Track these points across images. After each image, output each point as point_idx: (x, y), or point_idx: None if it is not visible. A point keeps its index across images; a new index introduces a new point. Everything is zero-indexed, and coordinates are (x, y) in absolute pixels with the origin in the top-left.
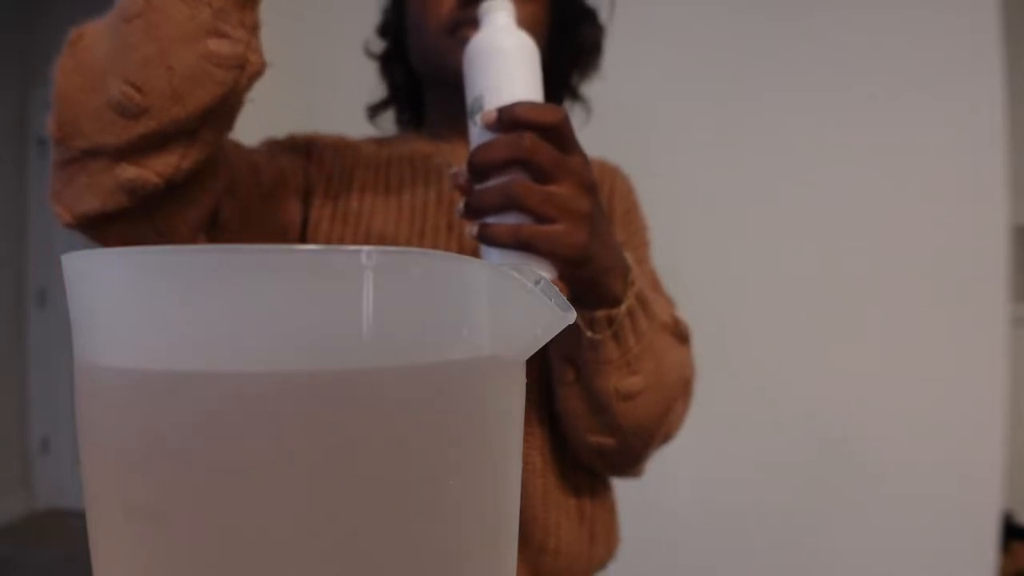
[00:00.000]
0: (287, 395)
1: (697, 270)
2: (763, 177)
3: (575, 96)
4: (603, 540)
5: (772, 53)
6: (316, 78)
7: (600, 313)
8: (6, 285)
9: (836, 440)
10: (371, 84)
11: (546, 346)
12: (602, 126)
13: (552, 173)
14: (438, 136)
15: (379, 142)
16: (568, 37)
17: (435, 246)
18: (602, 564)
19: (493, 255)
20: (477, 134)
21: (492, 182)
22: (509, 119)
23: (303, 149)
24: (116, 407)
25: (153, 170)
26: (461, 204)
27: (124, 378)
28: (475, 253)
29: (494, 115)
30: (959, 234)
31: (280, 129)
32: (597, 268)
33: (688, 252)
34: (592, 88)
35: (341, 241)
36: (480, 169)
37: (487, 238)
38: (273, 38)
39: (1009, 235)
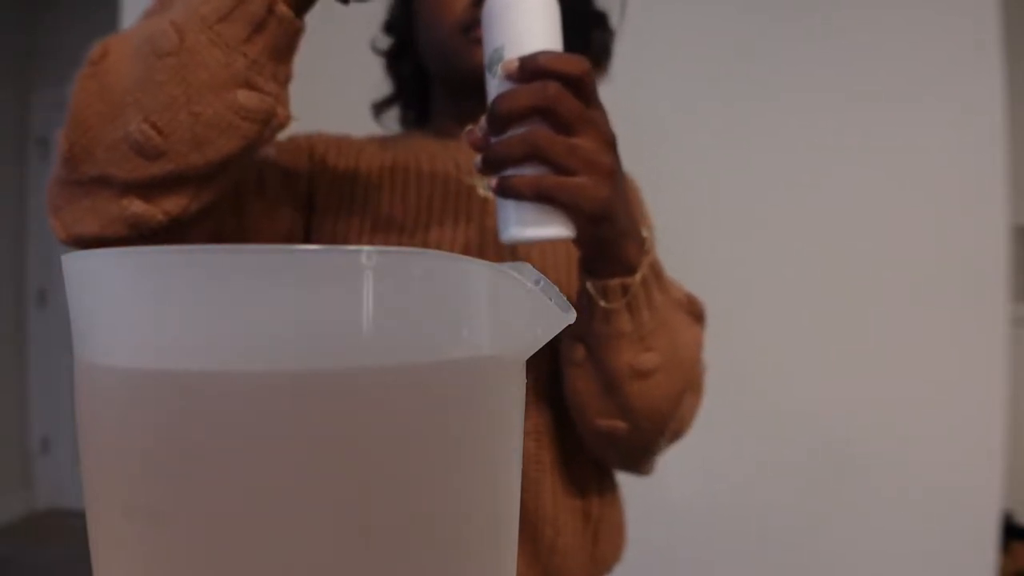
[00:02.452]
0: (287, 395)
1: (698, 270)
2: (763, 178)
3: None
4: (607, 541)
5: (773, 54)
6: (317, 76)
7: (614, 281)
8: (6, 285)
9: (836, 440)
10: (373, 82)
11: (556, 339)
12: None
13: (575, 125)
14: (445, 134)
15: (383, 141)
16: (577, 41)
17: (440, 241)
18: (607, 566)
19: (510, 209)
20: (496, 86)
21: (512, 132)
22: (532, 68)
23: (305, 152)
24: (116, 407)
25: (161, 208)
26: (478, 159)
27: (124, 378)
28: (480, 252)
29: (516, 64)
30: (959, 234)
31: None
32: (616, 230)
33: (689, 253)
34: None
35: (345, 244)
36: (501, 118)
37: (506, 190)
38: None
39: (1009, 235)
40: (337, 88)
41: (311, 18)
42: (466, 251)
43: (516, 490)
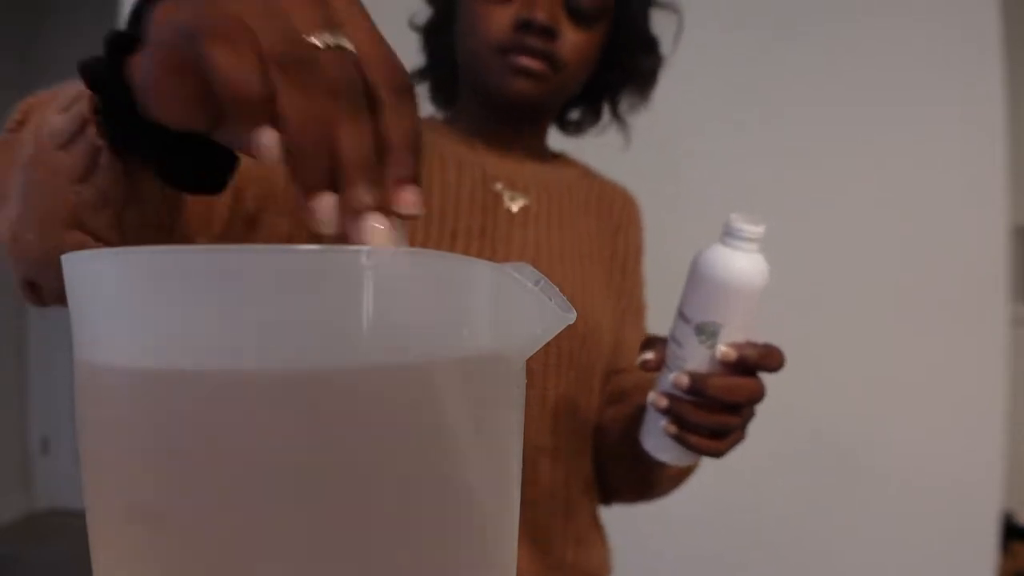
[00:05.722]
0: (287, 395)
1: None
2: (761, 179)
3: (618, 120)
4: (607, 558)
5: (772, 55)
6: None
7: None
8: (6, 285)
9: (836, 440)
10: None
11: (589, 366)
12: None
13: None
14: (471, 132)
15: None
16: (624, 61)
17: (467, 250)
18: None
19: (667, 437)
20: (704, 354)
21: (709, 416)
22: (750, 365)
23: None
24: (116, 407)
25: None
26: (663, 401)
27: (124, 378)
28: (507, 257)
29: (735, 357)
30: (959, 234)
31: None
32: None
33: (687, 254)
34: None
35: None
36: (710, 398)
37: (690, 445)
38: None
39: (1009, 235)
40: None
41: None
42: (494, 256)
43: (516, 489)
